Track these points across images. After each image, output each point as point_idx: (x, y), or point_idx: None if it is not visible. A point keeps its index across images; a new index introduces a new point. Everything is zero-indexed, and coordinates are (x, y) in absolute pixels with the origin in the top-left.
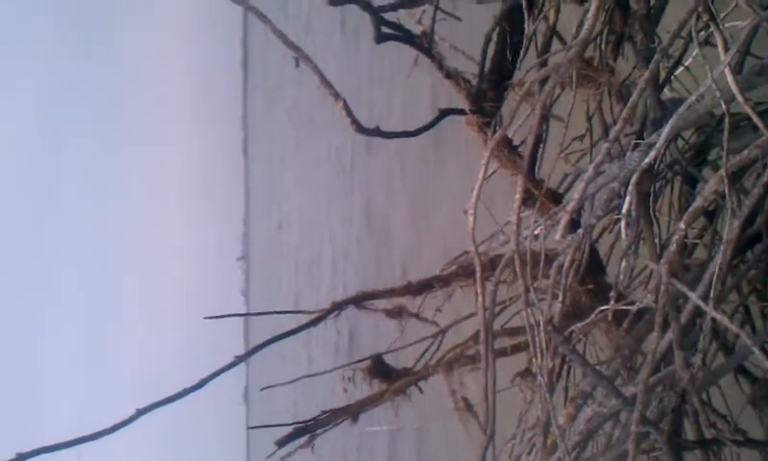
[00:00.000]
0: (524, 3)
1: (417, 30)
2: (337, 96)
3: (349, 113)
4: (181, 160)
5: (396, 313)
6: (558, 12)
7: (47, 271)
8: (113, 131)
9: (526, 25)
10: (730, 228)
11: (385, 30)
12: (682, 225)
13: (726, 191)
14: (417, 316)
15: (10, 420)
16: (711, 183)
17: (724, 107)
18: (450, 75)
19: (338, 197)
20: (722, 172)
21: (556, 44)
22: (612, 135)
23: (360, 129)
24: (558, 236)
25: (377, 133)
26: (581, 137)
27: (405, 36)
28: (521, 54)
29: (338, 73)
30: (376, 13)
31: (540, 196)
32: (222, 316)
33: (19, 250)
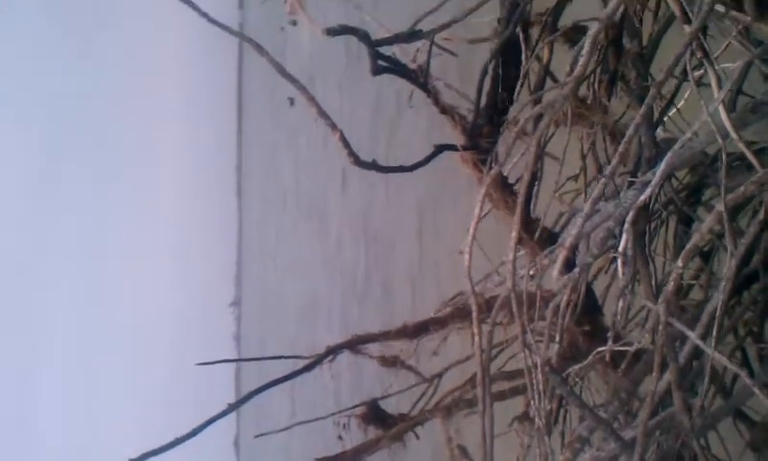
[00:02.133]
0: (521, 38)
1: (412, 65)
2: (334, 127)
3: (347, 145)
4: (173, 201)
5: (391, 362)
6: (551, 50)
7: (34, 300)
8: (104, 170)
9: (523, 59)
10: (728, 266)
11: (381, 63)
12: (679, 263)
13: (725, 226)
14: (411, 368)
15: None
16: (709, 220)
17: (720, 141)
18: (446, 110)
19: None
20: (719, 208)
21: (549, 83)
22: (608, 171)
23: (357, 162)
24: (556, 272)
25: (374, 166)
26: (575, 177)
27: (401, 70)
28: (517, 89)
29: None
30: (373, 46)
31: (530, 242)
32: (213, 362)
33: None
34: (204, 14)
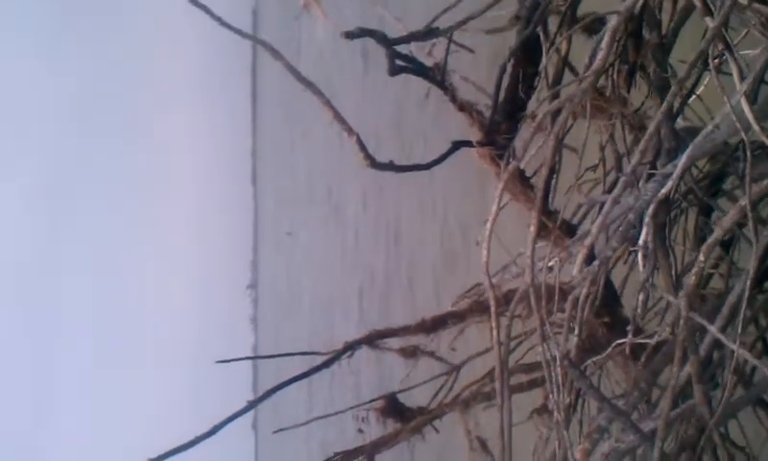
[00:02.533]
0: (541, 35)
1: (429, 62)
2: (350, 131)
3: (363, 148)
4: (190, 187)
5: (411, 353)
6: (570, 43)
7: (53, 291)
8: (122, 158)
9: (543, 56)
10: (753, 257)
11: (399, 62)
12: (701, 257)
13: (749, 220)
14: (432, 354)
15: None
16: (732, 214)
17: (744, 136)
18: (463, 107)
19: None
20: (742, 202)
21: (567, 75)
22: (629, 168)
23: (373, 163)
24: (575, 272)
25: (390, 167)
26: (594, 168)
27: (418, 69)
28: (536, 85)
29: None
30: (391, 47)
31: (555, 230)
32: (231, 360)
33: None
34: (218, 19)
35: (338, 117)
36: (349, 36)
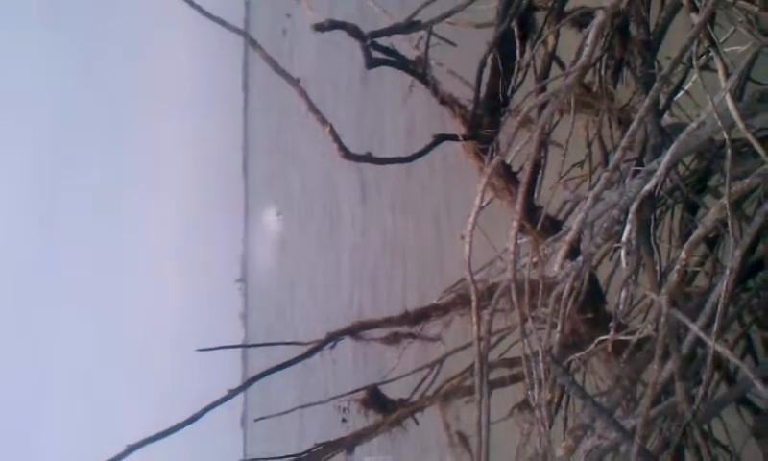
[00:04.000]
0: (516, 30)
1: (411, 54)
2: (324, 121)
3: (336, 139)
4: (179, 180)
5: (392, 339)
6: (557, 37)
7: (42, 285)
8: (113, 151)
9: (518, 51)
10: (732, 256)
11: (377, 55)
12: (683, 255)
13: (728, 219)
14: (415, 336)
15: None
16: (713, 212)
17: (726, 135)
18: (445, 100)
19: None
20: (723, 200)
21: (555, 69)
22: (611, 164)
23: (348, 155)
24: (556, 268)
25: (368, 159)
26: (580, 164)
27: (398, 62)
28: (516, 80)
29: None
30: (366, 40)
31: (532, 232)
32: (215, 348)
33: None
34: (207, 14)
35: (312, 109)
36: (320, 28)
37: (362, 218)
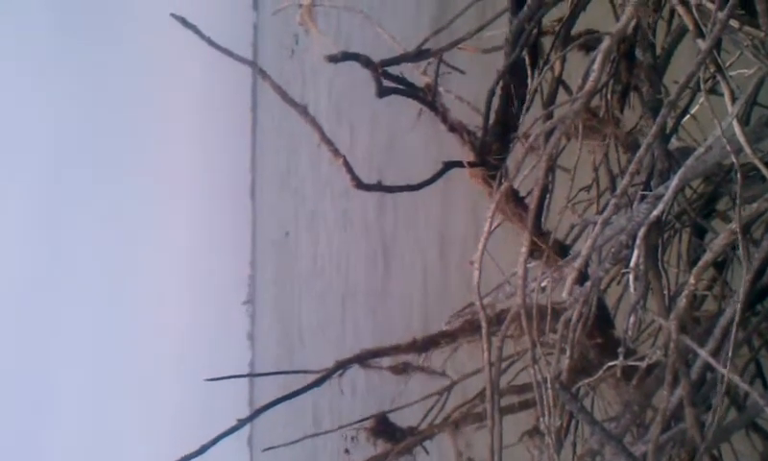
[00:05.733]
0: (527, 58)
1: (420, 82)
2: (336, 153)
3: (350, 170)
4: (188, 201)
5: (401, 369)
6: (563, 62)
7: (51, 309)
8: (120, 168)
9: (529, 79)
10: (741, 281)
11: (387, 84)
12: (692, 280)
13: (739, 243)
14: (423, 369)
15: None
16: (722, 237)
17: (734, 160)
18: (454, 128)
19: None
20: (732, 226)
21: (561, 94)
22: (619, 189)
23: (360, 185)
24: (565, 294)
25: (379, 187)
26: (587, 188)
27: (408, 90)
28: (525, 106)
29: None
30: (377, 70)
31: (548, 249)
32: (223, 378)
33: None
34: (216, 45)
35: (324, 139)
36: (333, 59)
37: (374, 235)
